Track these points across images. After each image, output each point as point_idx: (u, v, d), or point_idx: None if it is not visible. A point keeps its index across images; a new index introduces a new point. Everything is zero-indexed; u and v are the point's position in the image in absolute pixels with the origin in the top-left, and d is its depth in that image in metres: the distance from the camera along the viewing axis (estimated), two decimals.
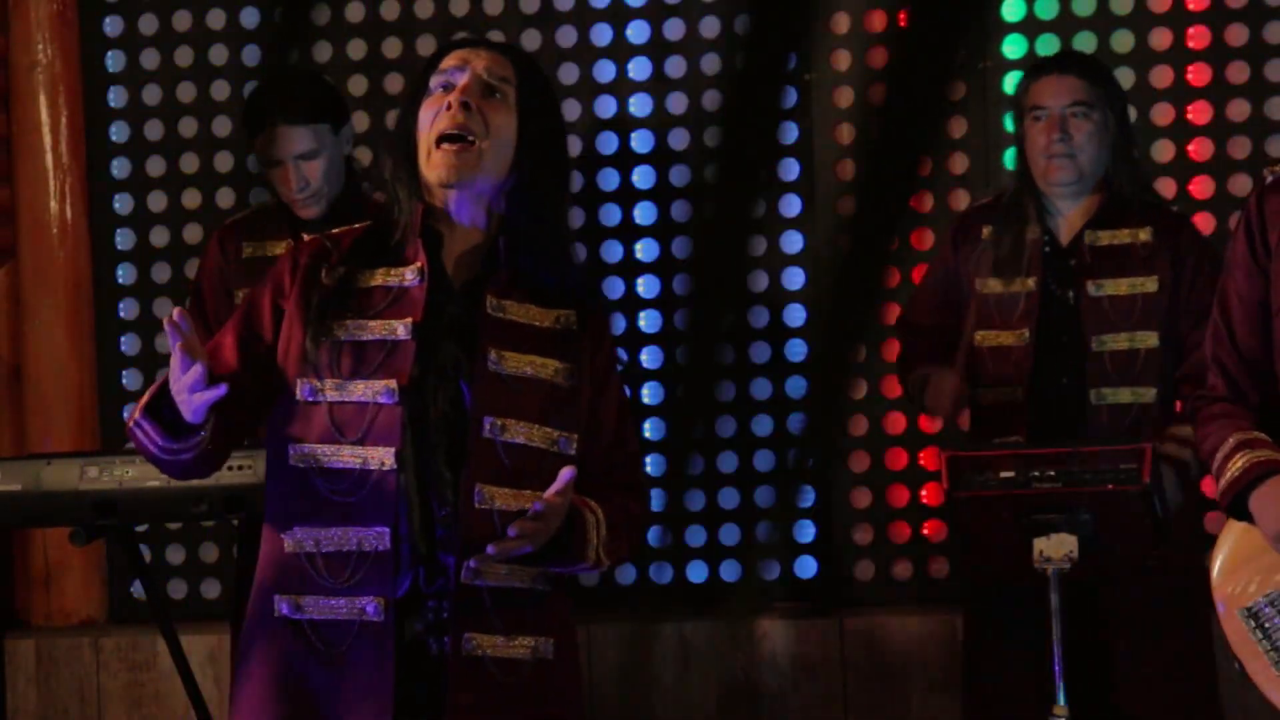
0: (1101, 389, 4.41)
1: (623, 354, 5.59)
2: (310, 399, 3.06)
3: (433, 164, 3.07)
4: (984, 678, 4.50)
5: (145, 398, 3.09)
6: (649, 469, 5.57)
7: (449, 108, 3.05)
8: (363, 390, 3.04)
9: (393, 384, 3.03)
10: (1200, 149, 5.44)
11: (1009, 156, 5.11)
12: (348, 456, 3.04)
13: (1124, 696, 4.38)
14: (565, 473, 2.99)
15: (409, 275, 3.09)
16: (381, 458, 3.02)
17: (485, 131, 3.06)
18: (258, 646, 3.08)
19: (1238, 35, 5.45)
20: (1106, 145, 4.49)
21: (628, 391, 3.62)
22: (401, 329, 3.06)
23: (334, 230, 3.23)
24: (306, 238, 3.31)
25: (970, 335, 4.53)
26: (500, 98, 3.10)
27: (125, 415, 5.80)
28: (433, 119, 3.07)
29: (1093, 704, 4.34)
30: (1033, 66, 4.65)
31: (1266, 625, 3.40)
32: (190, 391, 2.95)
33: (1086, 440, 4.21)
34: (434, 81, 3.11)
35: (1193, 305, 4.40)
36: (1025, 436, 4.40)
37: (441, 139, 3.06)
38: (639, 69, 5.65)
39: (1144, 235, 4.47)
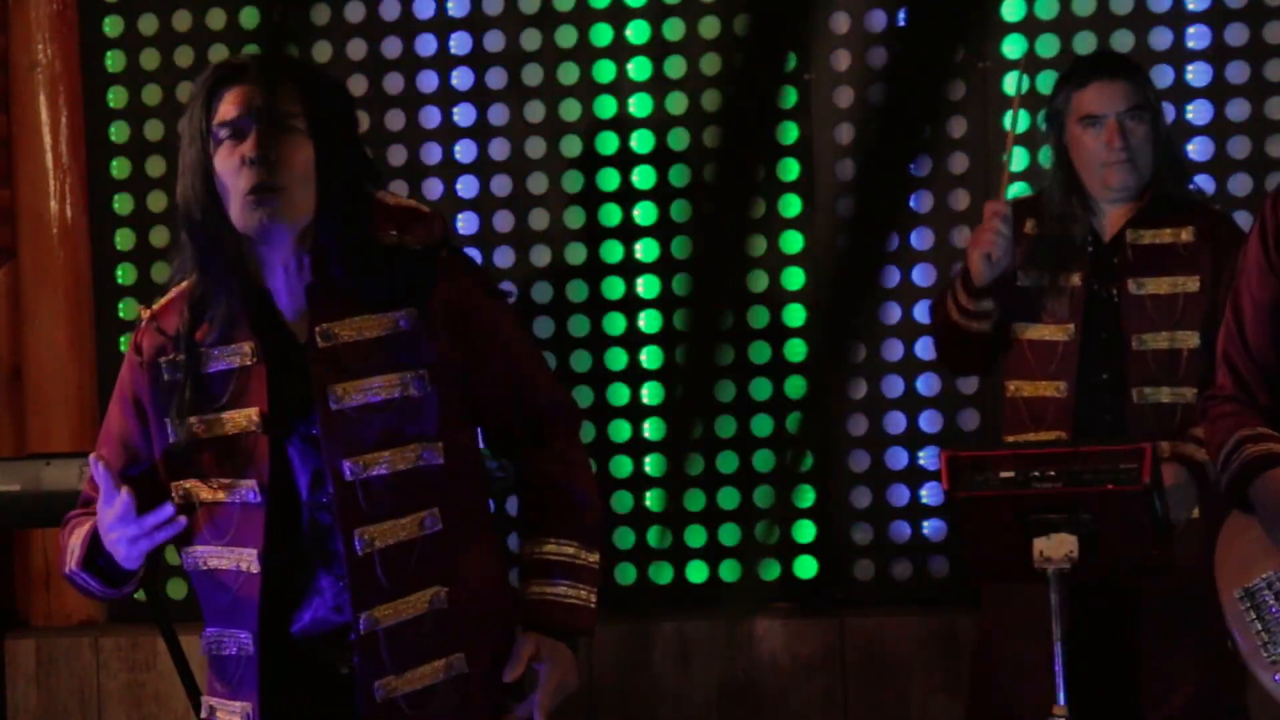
0: (1143, 388, 4.35)
1: (621, 354, 5.59)
2: (183, 501, 3.04)
3: (245, 218, 2.95)
4: (994, 676, 4.47)
5: (79, 551, 3.06)
6: (648, 468, 5.57)
7: (247, 164, 2.93)
8: (229, 491, 3.00)
9: (252, 484, 2.98)
10: (1200, 149, 5.44)
11: (1021, 158, 5.09)
12: (219, 558, 3.03)
13: (1149, 696, 4.35)
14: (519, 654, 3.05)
15: (247, 353, 3.00)
16: (246, 559, 3.00)
17: (287, 176, 2.94)
18: None
19: (1238, 35, 5.44)
20: (1158, 146, 4.42)
21: (528, 337, 3.48)
22: (251, 422, 2.99)
23: (154, 306, 3.11)
24: (136, 333, 3.15)
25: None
26: (291, 129, 2.98)
27: None
28: (234, 175, 2.94)
29: (1115, 704, 4.32)
30: (1072, 71, 4.52)
31: (1261, 607, 3.43)
32: (132, 528, 2.95)
33: (1086, 440, 4.21)
34: (221, 132, 2.97)
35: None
36: (1069, 433, 4.35)
37: (248, 194, 2.94)
38: (639, 69, 5.65)
39: (1186, 235, 4.39)
